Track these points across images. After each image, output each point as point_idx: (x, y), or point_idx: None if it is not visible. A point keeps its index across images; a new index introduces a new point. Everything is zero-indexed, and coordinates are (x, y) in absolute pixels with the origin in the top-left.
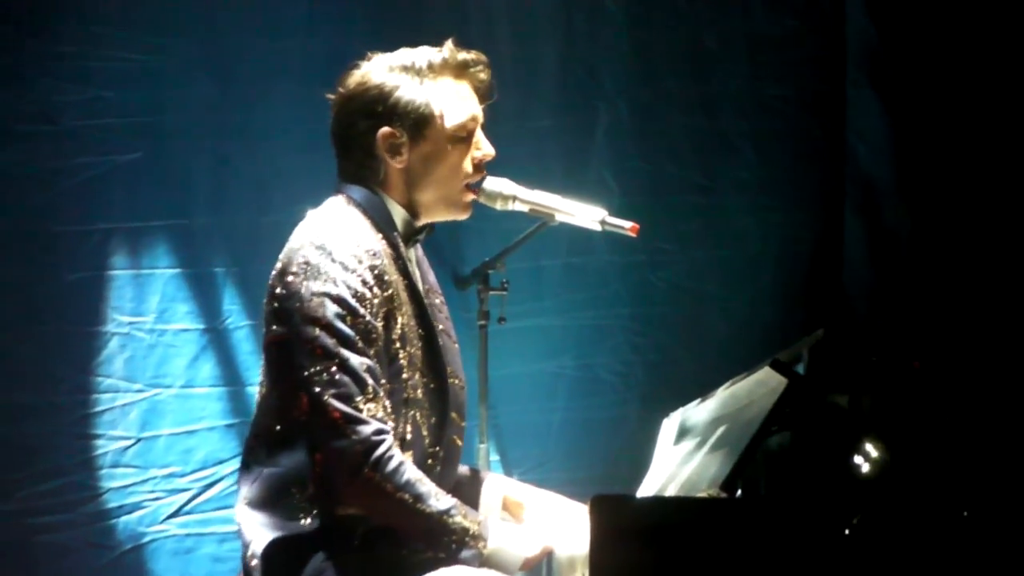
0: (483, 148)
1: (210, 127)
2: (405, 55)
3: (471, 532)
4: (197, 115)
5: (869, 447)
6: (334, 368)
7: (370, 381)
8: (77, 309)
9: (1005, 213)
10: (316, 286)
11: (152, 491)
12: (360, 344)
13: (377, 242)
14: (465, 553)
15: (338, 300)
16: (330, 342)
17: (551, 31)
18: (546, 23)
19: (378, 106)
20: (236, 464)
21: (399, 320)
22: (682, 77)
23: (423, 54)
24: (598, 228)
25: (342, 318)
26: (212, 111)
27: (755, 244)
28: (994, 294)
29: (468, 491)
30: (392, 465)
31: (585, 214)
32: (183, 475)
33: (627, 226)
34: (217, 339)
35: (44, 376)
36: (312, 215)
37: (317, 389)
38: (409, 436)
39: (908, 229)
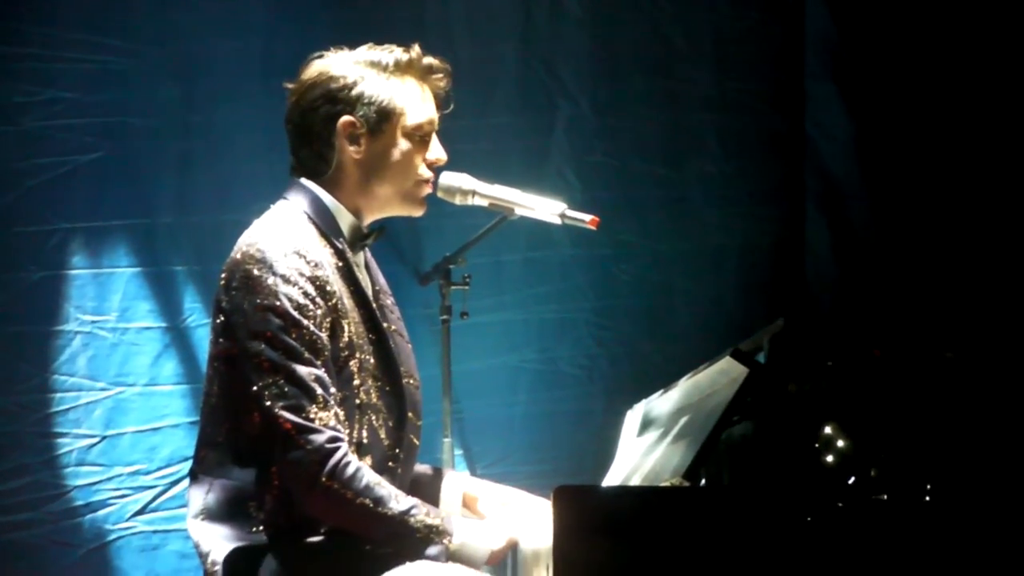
0: (436, 152)
1: (172, 127)
2: (371, 51)
3: (435, 528)
4: (159, 115)
5: (830, 434)
6: (282, 380)
7: (319, 390)
8: (40, 308)
9: (966, 205)
10: (258, 300)
11: (117, 488)
12: (306, 355)
13: (321, 250)
14: (431, 550)
15: (281, 313)
16: (276, 355)
17: (510, 27)
18: (505, 19)
19: (341, 94)
20: None
21: (346, 328)
22: (645, 72)
23: (390, 52)
24: (558, 222)
25: (286, 330)
26: (174, 111)
27: (719, 236)
28: (954, 284)
29: (428, 489)
30: (349, 471)
31: (545, 208)
32: (148, 472)
33: (587, 219)
34: (180, 337)
35: (7, 376)
36: (256, 224)
37: (267, 403)
38: (366, 440)
39: (868, 221)
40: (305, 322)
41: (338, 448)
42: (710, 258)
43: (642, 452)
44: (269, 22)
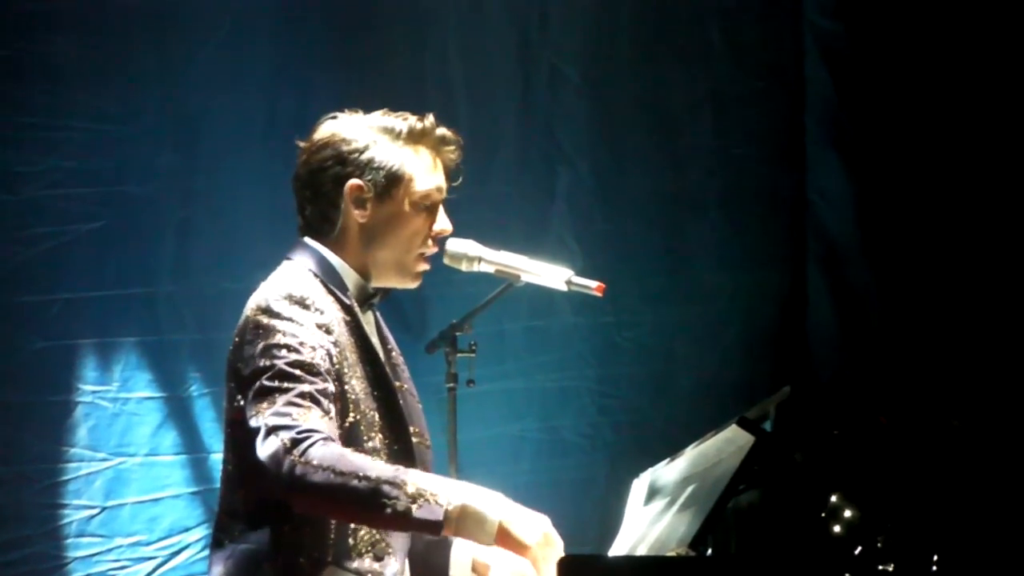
0: (441, 223)
1: (173, 194)
2: (385, 117)
3: (426, 491)
4: (159, 182)
5: (837, 503)
6: (278, 399)
7: (307, 402)
8: (40, 379)
9: (968, 268)
10: (263, 343)
11: (118, 560)
12: (302, 375)
13: (327, 303)
14: (422, 513)
15: (283, 346)
16: (273, 383)
17: (509, 94)
18: (504, 86)
19: (351, 157)
20: (202, 532)
21: (348, 382)
22: (644, 137)
23: (404, 120)
24: (564, 288)
25: (287, 361)
26: (174, 178)
27: (721, 301)
28: (959, 348)
29: (437, 555)
30: (318, 447)
31: (551, 274)
32: (149, 543)
33: (593, 285)
34: (180, 407)
35: (8, 446)
36: (262, 285)
37: (261, 422)
38: None
39: (871, 284)
40: (305, 351)
41: (309, 434)
42: (712, 323)
43: (648, 521)
44: (269, 88)
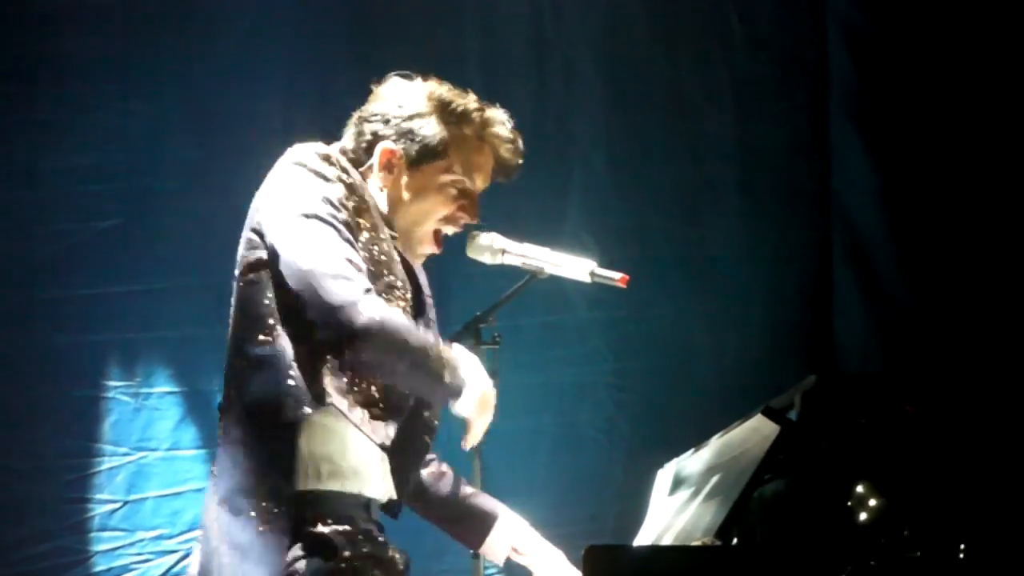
0: (469, 213)
1: (192, 189)
2: (450, 92)
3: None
4: (178, 178)
5: (863, 492)
6: (330, 248)
7: (357, 265)
8: (62, 374)
9: (994, 255)
10: (295, 189)
11: (140, 553)
12: (347, 236)
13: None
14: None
15: (322, 199)
16: (323, 227)
17: (523, 88)
18: (518, 80)
19: (394, 121)
20: None
21: (365, 236)
22: (662, 129)
23: (463, 99)
24: (588, 280)
25: (332, 215)
26: (192, 171)
27: (742, 293)
28: (986, 336)
29: (474, 527)
30: (384, 303)
31: (574, 266)
32: (171, 537)
33: (616, 277)
34: (201, 401)
35: (30, 441)
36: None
37: (313, 259)
38: None
39: (897, 273)
40: (340, 211)
41: (371, 290)
42: (732, 316)
43: (674, 511)
44: (287, 82)
